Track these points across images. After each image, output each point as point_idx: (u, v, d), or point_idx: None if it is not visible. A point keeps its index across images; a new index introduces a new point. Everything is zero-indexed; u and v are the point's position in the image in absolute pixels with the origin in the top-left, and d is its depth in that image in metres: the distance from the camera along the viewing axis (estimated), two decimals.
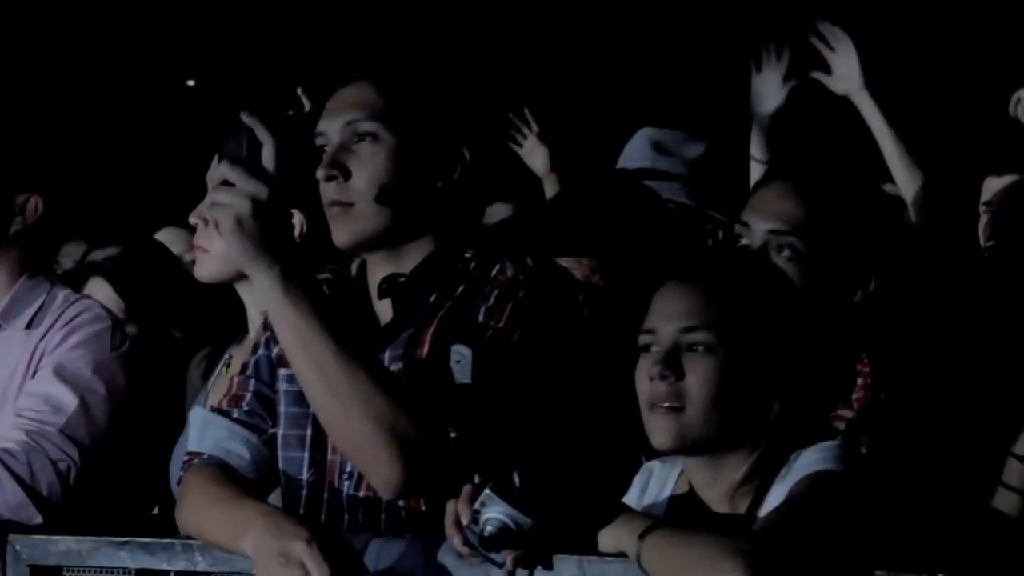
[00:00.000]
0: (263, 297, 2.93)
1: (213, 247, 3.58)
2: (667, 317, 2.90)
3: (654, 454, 2.99)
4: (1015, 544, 2.75)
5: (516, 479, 2.76)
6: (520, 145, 5.71)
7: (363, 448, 2.89)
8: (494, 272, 3.03)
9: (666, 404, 2.86)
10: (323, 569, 2.83)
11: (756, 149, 4.60)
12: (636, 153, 4.51)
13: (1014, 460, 2.78)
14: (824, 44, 4.52)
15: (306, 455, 3.09)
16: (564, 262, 3.49)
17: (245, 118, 2.95)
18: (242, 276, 3.33)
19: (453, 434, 2.91)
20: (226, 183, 2.88)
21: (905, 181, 4.44)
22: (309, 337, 2.88)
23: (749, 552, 2.63)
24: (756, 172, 4.52)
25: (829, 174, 3.40)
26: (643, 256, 3.58)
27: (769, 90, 4.62)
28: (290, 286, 2.89)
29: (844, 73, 4.47)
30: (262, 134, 2.93)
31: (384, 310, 3.09)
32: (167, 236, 4.89)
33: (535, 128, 5.67)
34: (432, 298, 3.04)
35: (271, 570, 2.86)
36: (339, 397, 2.88)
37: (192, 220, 3.69)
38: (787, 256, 3.29)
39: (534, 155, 5.67)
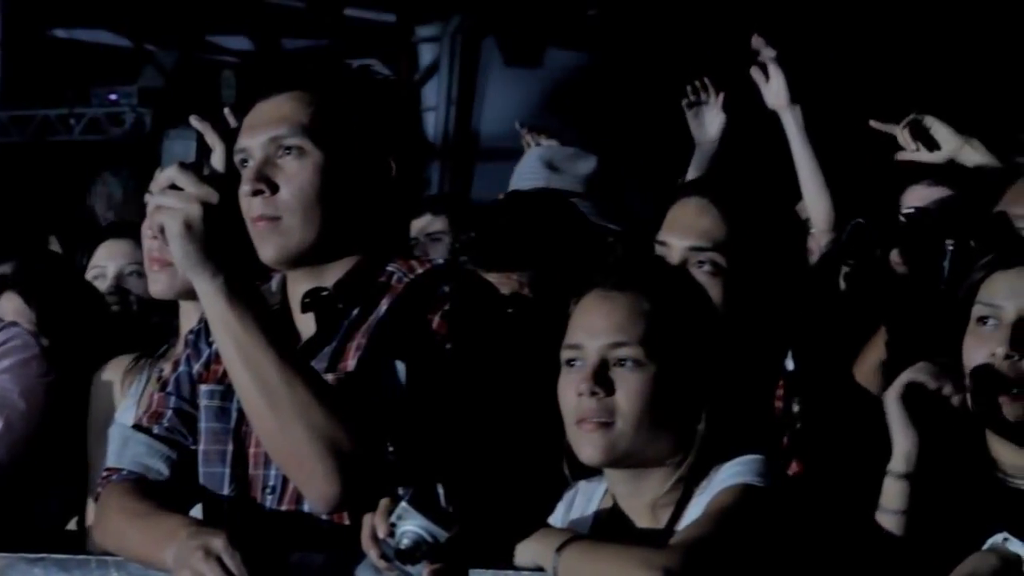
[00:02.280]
0: (205, 305, 2.91)
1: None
2: (593, 332, 2.90)
3: (577, 467, 3.00)
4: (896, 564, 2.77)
5: (440, 492, 2.77)
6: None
7: (301, 461, 2.89)
8: (419, 284, 3.03)
9: (595, 420, 2.86)
10: (240, 567, 2.83)
11: (693, 173, 4.73)
12: (528, 173, 4.54)
13: (889, 479, 2.80)
14: (758, 66, 4.62)
15: (227, 471, 3.07)
16: (492, 277, 3.50)
17: (195, 122, 2.93)
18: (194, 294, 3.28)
19: (391, 448, 2.90)
20: (174, 187, 2.87)
21: (815, 201, 4.52)
22: (250, 348, 2.88)
23: (666, 566, 2.65)
24: None
25: (744, 189, 3.42)
26: (571, 271, 3.59)
27: (709, 118, 4.82)
28: (234, 296, 2.88)
29: (775, 89, 4.55)
30: (212, 139, 2.91)
31: (306, 325, 3.08)
32: (109, 249, 4.78)
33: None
34: (355, 312, 3.04)
35: (190, 563, 2.85)
36: (278, 409, 2.87)
37: (148, 232, 3.66)
38: (708, 271, 3.31)
39: None
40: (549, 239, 3.64)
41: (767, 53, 4.57)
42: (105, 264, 4.60)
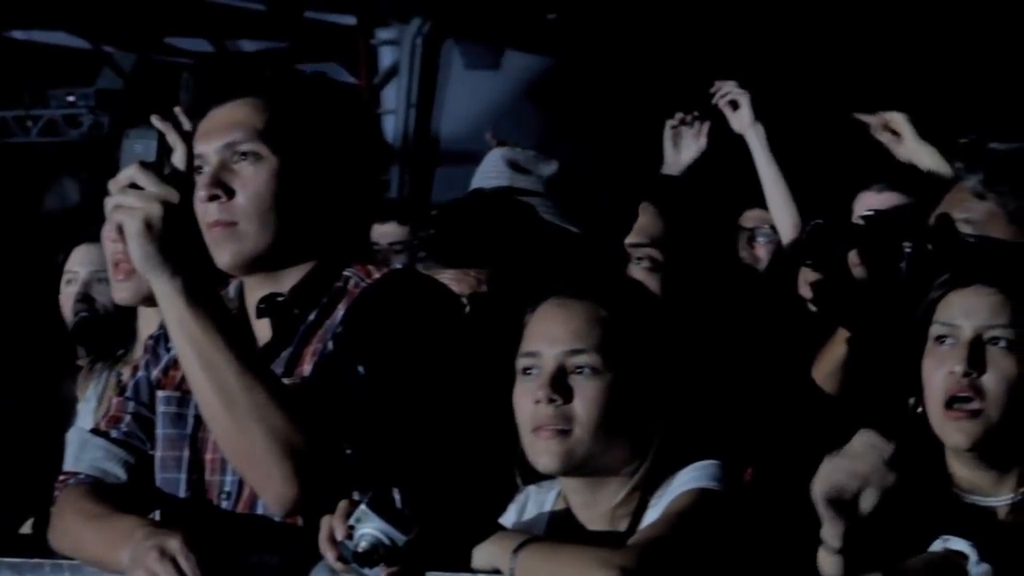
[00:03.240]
0: (163, 306, 2.90)
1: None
2: (551, 340, 2.89)
3: (529, 474, 2.99)
4: None
5: (396, 495, 2.76)
6: None
7: (258, 463, 2.88)
8: (378, 290, 3.02)
9: (552, 427, 2.86)
10: (194, 568, 2.82)
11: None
12: (493, 172, 4.56)
13: (822, 551, 2.79)
14: (724, 101, 4.79)
15: (183, 476, 3.06)
16: (451, 273, 3.50)
17: (156, 122, 2.91)
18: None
19: (348, 451, 2.90)
20: (134, 186, 2.85)
21: (781, 211, 4.58)
22: (208, 349, 2.87)
23: (624, 565, 2.65)
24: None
25: (679, 187, 3.46)
26: (529, 270, 3.60)
27: (687, 143, 4.89)
28: (192, 297, 2.87)
29: (741, 114, 4.70)
30: (173, 139, 2.89)
31: (263, 330, 3.08)
32: (80, 254, 4.75)
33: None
34: (312, 317, 3.04)
35: (145, 562, 2.84)
36: (236, 411, 2.86)
37: (110, 236, 3.64)
38: (646, 267, 3.32)
39: None
40: (508, 236, 3.64)
41: (729, 88, 4.69)
42: (77, 270, 4.58)
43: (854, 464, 2.66)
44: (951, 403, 2.86)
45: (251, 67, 3.14)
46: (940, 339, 2.89)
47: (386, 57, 9.68)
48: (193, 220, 2.95)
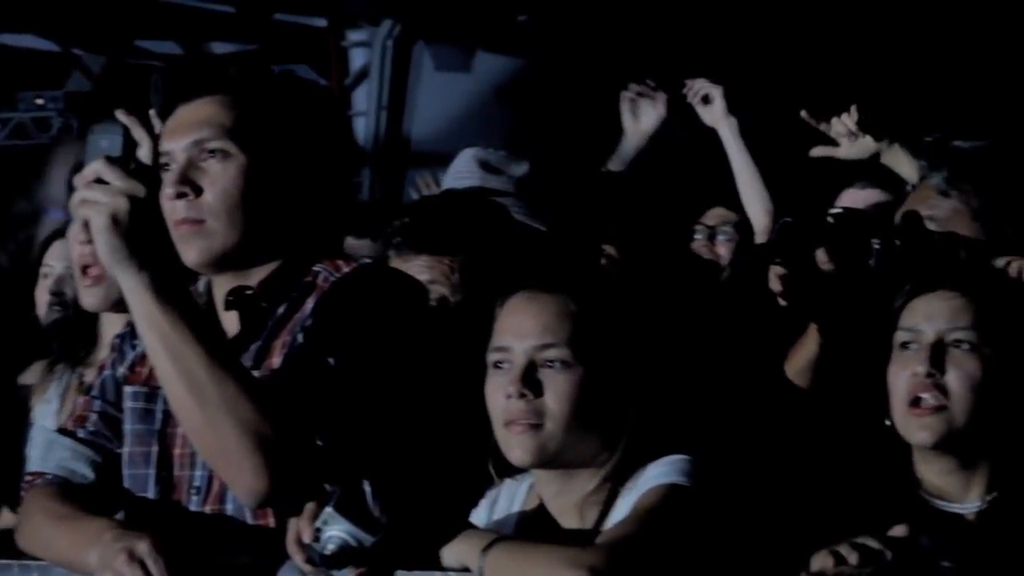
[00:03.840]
0: (131, 301, 2.89)
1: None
2: (521, 334, 2.90)
3: (503, 467, 2.99)
4: None
5: (367, 489, 2.76)
6: None
7: (229, 456, 2.87)
8: (348, 284, 3.02)
9: (524, 421, 2.86)
10: (163, 571, 2.81)
11: (615, 165, 4.82)
12: (464, 172, 4.58)
13: None
14: (698, 97, 4.84)
15: (152, 472, 3.06)
16: (423, 261, 3.51)
17: (122, 116, 2.91)
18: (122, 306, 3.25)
19: (320, 443, 2.89)
20: (100, 181, 2.85)
21: (754, 205, 4.60)
22: (177, 342, 2.86)
23: (592, 565, 2.65)
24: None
25: (623, 185, 3.48)
26: (501, 261, 3.62)
27: (645, 110, 4.90)
28: (160, 291, 2.86)
29: (712, 106, 4.75)
30: (139, 134, 2.88)
31: (232, 325, 3.07)
32: (57, 249, 4.72)
33: None
34: (281, 310, 3.03)
35: (114, 565, 2.83)
36: (206, 404, 2.85)
37: (78, 239, 3.62)
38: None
39: None
40: (481, 225, 3.66)
41: (701, 84, 4.73)
42: (52, 264, 4.58)
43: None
44: (915, 402, 2.90)
45: (216, 67, 3.13)
46: (904, 345, 2.94)
47: (357, 59, 9.66)
48: (160, 214, 2.94)
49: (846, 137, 4.45)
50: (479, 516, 3.03)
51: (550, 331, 2.88)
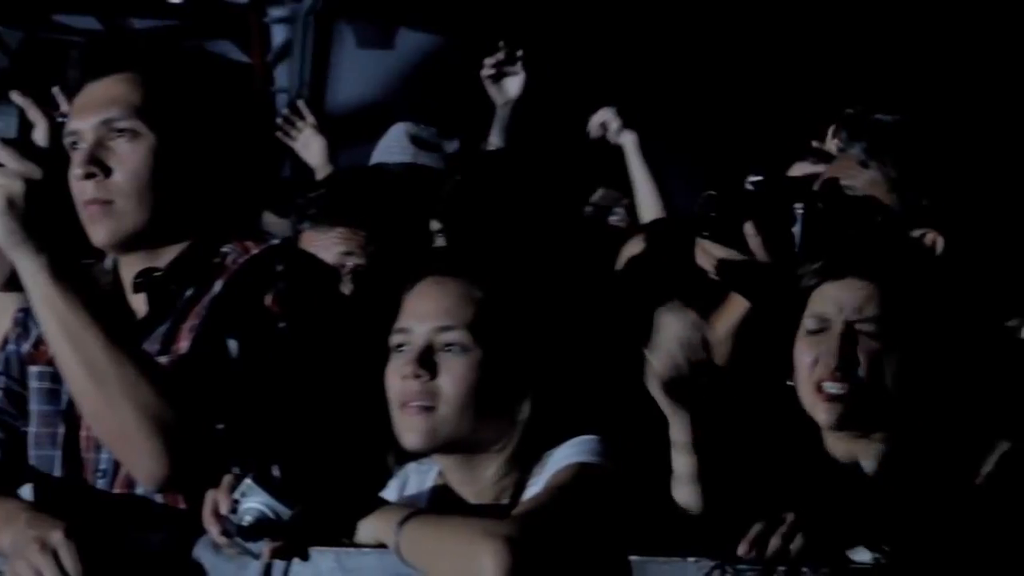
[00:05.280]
0: (28, 284, 2.86)
1: None
2: (421, 317, 2.90)
3: (402, 454, 2.98)
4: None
5: (276, 470, 2.73)
6: (293, 139, 5.67)
7: (128, 440, 2.86)
8: (253, 263, 3.01)
9: (417, 403, 2.85)
10: (75, 562, 2.80)
11: (495, 138, 4.94)
12: (396, 148, 4.57)
13: (675, 450, 2.84)
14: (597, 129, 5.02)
15: (58, 453, 3.04)
16: (339, 232, 3.48)
17: (16, 98, 2.86)
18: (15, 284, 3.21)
19: (220, 426, 2.88)
20: None
21: (652, 212, 4.69)
22: (75, 326, 2.84)
23: (508, 535, 2.65)
24: None
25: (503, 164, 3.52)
26: (414, 238, 3.61)
27: (508, 80, 5.02)
28: (57, 274, 2.84)
29: (610, 128, 4.94)
30: (34, 115, 2.84)
31: (141, 305, 3.05)
32: None
33: (310, 120, 5.64)
34: (189, 292, 3.01)
35: (26, 554, 2.81)
36: (105, 387, 2.84)
37: None
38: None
39: (310, 147, 5.64)
40: (396, 199, 3.65)
41: (597, 118, 4.93)
42: None
43: (671, 345, 2.77)
44: (819, 387, 2.96)
45: (125, 44, 3.09)
46: (812, 331, 2.99)
47: (278, 35, 9.60)
48: (59, 196, 2.91)
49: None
50: (388, 499, 3.01)
51: (450, 314, 2.88)
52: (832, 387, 2.95)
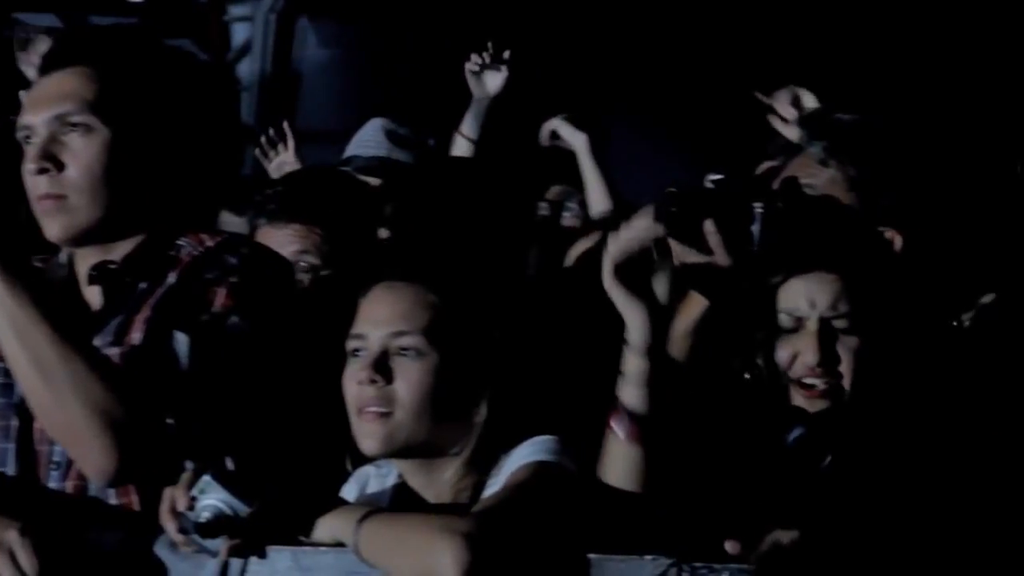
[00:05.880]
0: None
1: None
2: (377, 322, 2.89)
3: (359, 458, 2.98)
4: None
5: (231, 466, 2.73)
6: (269, 159, 5.66)
7: (77, 435, 2.84)
8: (207, 257, 3.00)
9: (374, 409, 2.85)
10: (31, 561, 2.78)
11: (467, 128, 5.02)
12: (372, 142, 4.57)
13: (628, 352, 2.83)
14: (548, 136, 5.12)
15: (12, 446, 3.01)
16: (295, 228, 3.45)
17: None
18: None
19: (170, 421, 2.87)
20: None
21: (601, 206, 4.73)
22: (24, 322, 2.82)
23: (466, 532, 2.64)
24: (462, 147, 4.99)
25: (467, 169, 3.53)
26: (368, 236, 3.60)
27: (490, 76, 5.11)
28: (6, 270, 2.83)
29: (564, 133, 5.02)
30: None
31: (94, 297, 3.04)
32: None
33: (291, 145, 5.61)
34: (143, 285, 3.00)
35: None
36: (54, 384, 2.82)
37: None
38: None
39: (282, 171, 5.60)
40: (353, 197, 3.65)
41: (550, 126, 5.02)
42: None
43: (628, 233, 2.77)
44: (802, 384, 2.96)
45: (78, 38, 3.09)
46: (787, 329, 2.98)
47: (239, 34, 9.58)
48: (7, 191, 2.89)
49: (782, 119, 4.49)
50: (348, 498, 3.01)
51: (405, 319, 2.87)
52: (814, 383, 2.94)
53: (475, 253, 3.34)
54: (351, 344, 2.91)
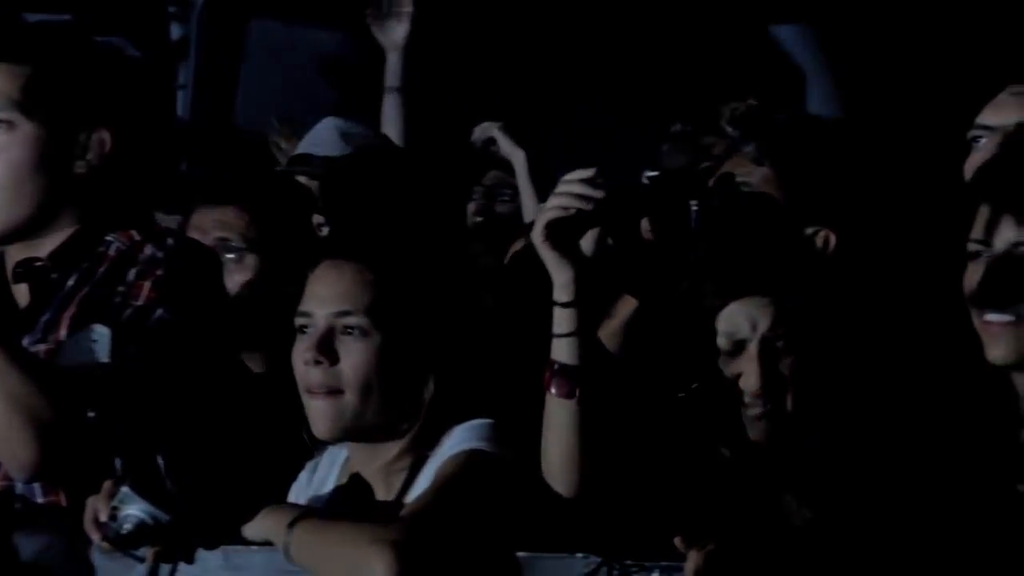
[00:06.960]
0: None
1: None
2: (322, 300, 2.89)
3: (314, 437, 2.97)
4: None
5: (160, 465, 2.72)
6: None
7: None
8: (133, 252, 2.99)
9: (323, 390, 2.84)
10: None
11: (390, 78, 4.84)
12: (325, 141, 4.54)
13: (556, 308, 2.82)
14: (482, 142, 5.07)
15: None
16: (221, 212, 3.47)
17: None
18: None
19: (91, 414, 2.85)
20: None
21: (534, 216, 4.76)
22: None
23: (396, 540, 2.65)
24: (391, 102, 4.82)
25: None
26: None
27: (389, 23, 4.89)
28: None
29: (500, 144, 4.95)
30: None
31: (22, 295, 3.02)
32: None
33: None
34: (71, 281, 2.98)
35: None
36: None
37: None
38: None
39: None
40: (284, 183, 3.64)
41: (480, 131, 5.00)
42: None
43: (560, 189, 2.76)
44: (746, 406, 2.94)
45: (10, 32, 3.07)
46: (728, 352, 2.95)
47: (175, 32, 9.54)
48: None
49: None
50: (300, 482, 3.02)
51: (349, 298, 2.87)
52: (757, 405, 2.93)
53: (414, 234, 3.33)
54: (298, 320, 2.90)
